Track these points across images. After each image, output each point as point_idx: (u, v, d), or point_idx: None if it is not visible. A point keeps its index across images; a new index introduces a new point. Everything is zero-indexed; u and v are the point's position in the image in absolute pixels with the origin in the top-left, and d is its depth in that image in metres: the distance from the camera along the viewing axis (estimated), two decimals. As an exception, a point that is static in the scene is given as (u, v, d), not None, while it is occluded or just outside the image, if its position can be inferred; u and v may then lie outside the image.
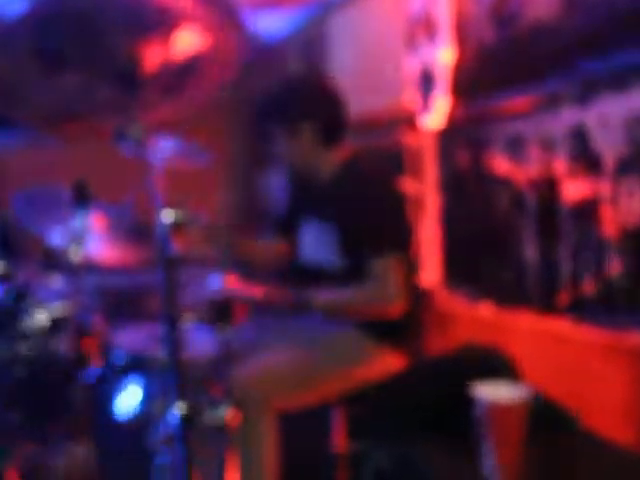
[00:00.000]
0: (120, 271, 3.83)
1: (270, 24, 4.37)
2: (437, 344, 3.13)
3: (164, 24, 1.64)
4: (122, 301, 3.86)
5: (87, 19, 1.57)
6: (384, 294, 2.19)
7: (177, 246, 1.41)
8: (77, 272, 2.03)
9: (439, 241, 3.23)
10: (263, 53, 4.19)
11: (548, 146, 2.52)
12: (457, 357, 2.21)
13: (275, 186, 4.42)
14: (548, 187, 2.53)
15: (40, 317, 1.78)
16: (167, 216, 1.48)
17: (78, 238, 2.05)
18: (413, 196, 3.36)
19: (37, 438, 2.11)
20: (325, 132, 2.37)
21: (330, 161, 2.38)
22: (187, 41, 1.65)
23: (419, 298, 3.15)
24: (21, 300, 1.80)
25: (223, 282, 2.28)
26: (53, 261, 2.24)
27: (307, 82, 2.54)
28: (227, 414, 1.75)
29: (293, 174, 2.62)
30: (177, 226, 1.47)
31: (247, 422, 1.87)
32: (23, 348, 1.68)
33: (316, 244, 2.43)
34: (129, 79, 1.58)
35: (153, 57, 1.64)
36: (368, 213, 2.24)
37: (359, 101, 3.73)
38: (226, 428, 1.76)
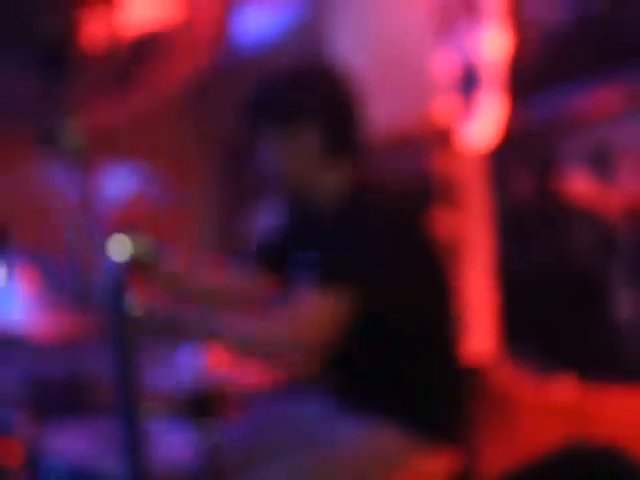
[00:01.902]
0: (57, 349, 3.55)
1: (255, 23, 4.13)
2: (497, 440, 2.86)
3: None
4: (60, 391, 3.59)
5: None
6: (294, 323, 2.00)
7: (137, 299, 1.09)
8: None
9: (493, 298, 2.90)
10: (246, 58, 3.94)
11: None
12: (558, 466, 1.83)
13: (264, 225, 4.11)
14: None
15: None
16: (119, 249, 1.22)
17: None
18: (452, 239, 3.18)
19: None
20: (331, 137, 2.16)
21: (334, 183, 2.20)
22: (142, 11, 1.38)
23: (467, 376, 2.89)
24: None
25: (204, 359, 2.02)
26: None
27: (311, 70, 2.33)
28: None
29: (289, 195, 2.43)
30: (137, 265, 1.16)
31: None
32: None
33: None
34: (58, 63, 1.30)
35: (93, 32, 1.36)
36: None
37: (375, 114, 3.51)
38: None
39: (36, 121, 1.24)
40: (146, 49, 1.36)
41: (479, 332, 2.98)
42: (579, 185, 2.49)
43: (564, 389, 2.59)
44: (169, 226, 3.35)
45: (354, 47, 3.78)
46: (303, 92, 2.19)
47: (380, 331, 2.11)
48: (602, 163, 2.41)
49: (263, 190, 2.39)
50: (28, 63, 1.28)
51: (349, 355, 2.08)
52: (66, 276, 2.43)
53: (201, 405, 1.59)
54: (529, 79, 2.75)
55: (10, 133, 1.41)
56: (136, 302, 1.11)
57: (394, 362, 2.13)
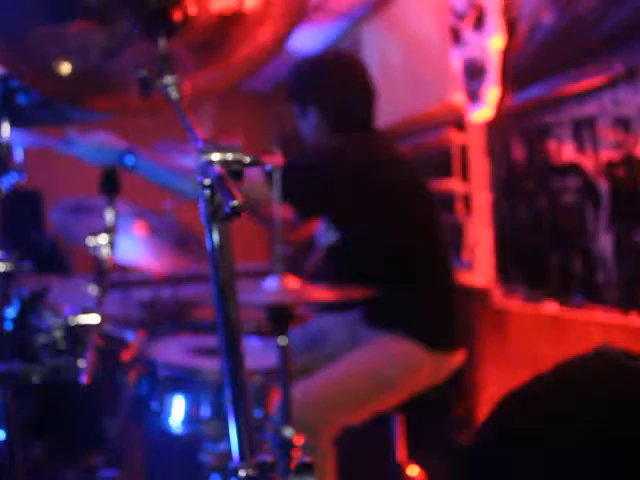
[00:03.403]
0: (165, 281, 3.48)
1: (300, 40, 3.92)
2: (493, 343, 2.76)
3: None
4: (166, 312, 3.54)
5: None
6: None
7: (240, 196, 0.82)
8: (107, 275, 1.60)
9: (491, 241, 2.77)
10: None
11: (625, 125, 2.04)
12: (592, 365, 1.60)
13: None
14: (625, 170, 2.06)
15: (56, 328, 1.32)
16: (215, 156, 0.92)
17: (108, 232, 1.62)
18: (461, 196, 3.00)
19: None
20: (333, 118, 2.03)
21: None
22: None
23: (470, 296, 2.75)
24: (32, 306, 1.32)
25: (282, 285, 1.88)
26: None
27: (324, 64, 2.10)
28: (292, 436, 1.37)
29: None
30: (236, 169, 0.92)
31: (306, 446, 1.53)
32: (33, 368, 1.23)
33: None
34: (160, 29, 1.16)
35: (188, 5, 1.21)
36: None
37: (404, 104, 3.36)
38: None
39: (140, 73, 1.08)
40: (228, 25, 1.19)
41: (482, 264, 2.84)
42: (564, 149, 2.30)
43: (547, 307, 2.41)
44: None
45: (388, 50, 3.60)
46: (309, 84, 2.08)
47: (396, 261, 2.01)
48: (583, 131, 2.21)
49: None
50: (136, 29, 1.12)
51: (373, 278, 1.99)
52: (167, 226, 2.30)
53: (278, 319, 1.45)
54: (523, 69, 2.55)
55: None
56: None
57: (408, 284, 2.04)
